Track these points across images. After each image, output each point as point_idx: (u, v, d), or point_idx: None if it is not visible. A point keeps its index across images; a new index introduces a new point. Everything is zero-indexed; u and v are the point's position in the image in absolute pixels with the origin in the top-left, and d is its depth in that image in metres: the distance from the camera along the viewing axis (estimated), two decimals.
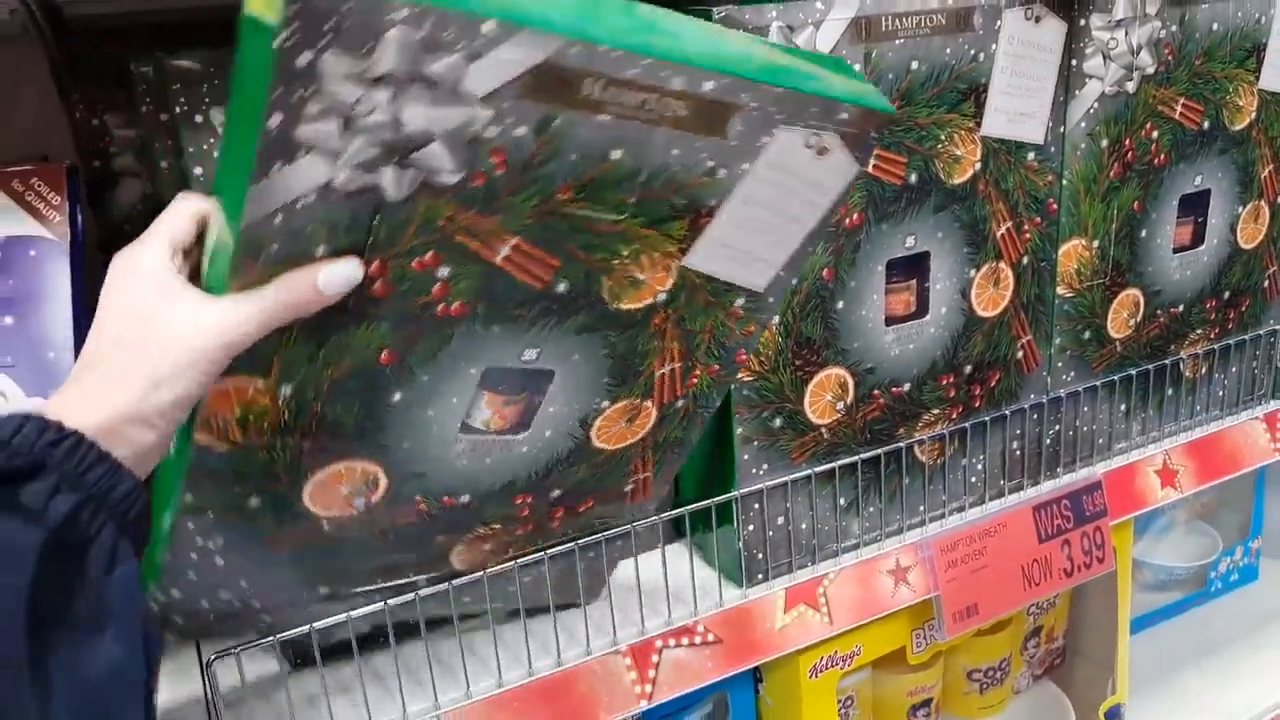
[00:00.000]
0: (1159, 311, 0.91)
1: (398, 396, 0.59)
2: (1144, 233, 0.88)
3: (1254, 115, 0.89)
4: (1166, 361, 0.93)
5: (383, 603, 0.67)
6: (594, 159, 0.55)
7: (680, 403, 0.69)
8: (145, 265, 0.51)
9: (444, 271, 0.55)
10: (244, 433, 0.57)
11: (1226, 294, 0.95)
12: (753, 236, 0.62)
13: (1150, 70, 0.82)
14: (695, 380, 0.68)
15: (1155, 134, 0.85)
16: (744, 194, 0.60)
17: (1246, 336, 0.97)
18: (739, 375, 0.73)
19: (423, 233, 0.53)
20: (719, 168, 0.58)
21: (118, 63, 0.69)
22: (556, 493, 0.69)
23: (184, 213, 0.54)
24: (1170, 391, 0.95)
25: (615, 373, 0.65)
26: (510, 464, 0.66)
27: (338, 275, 0.51)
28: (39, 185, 0.65)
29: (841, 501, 0.81)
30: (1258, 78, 0.88)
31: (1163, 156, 0.86)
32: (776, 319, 0.75)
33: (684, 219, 0.59)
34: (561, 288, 0.59)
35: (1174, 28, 0.82)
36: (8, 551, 0.43)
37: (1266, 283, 0.97)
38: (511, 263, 0.57)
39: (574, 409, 0.65)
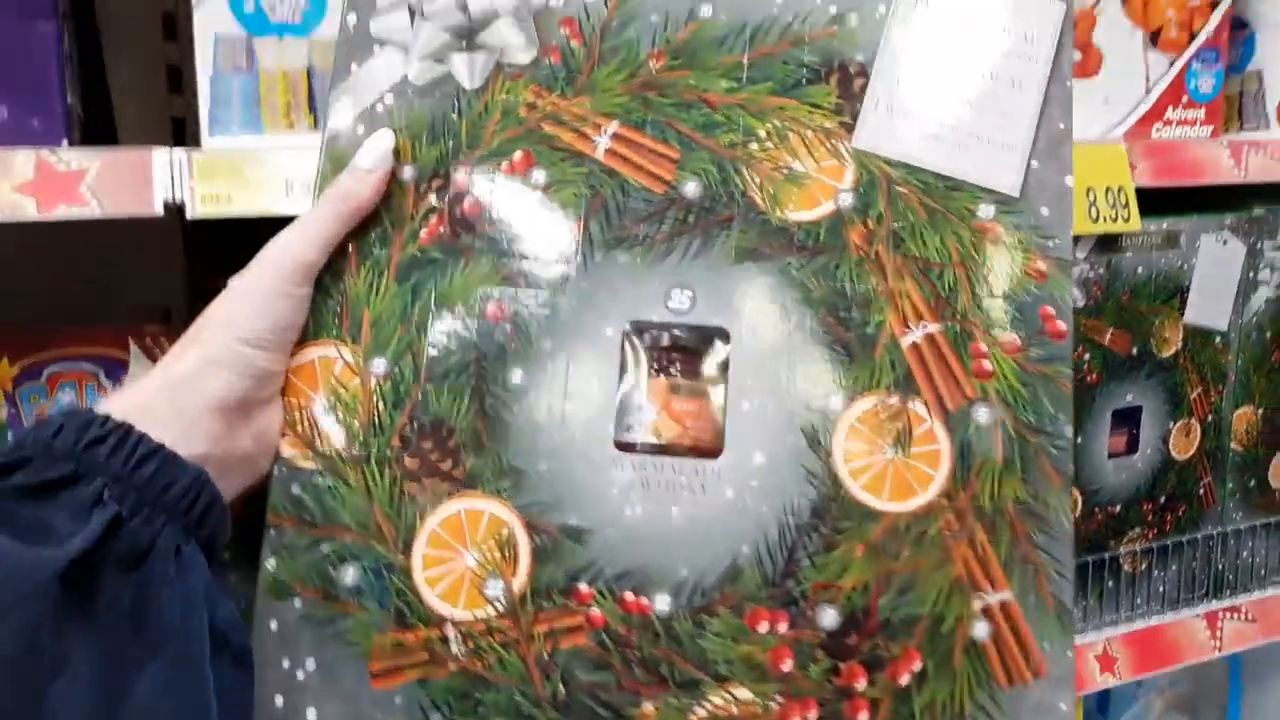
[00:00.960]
0: (1096, 509, 1.02)
1: (517, 375, 0.49)
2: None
3: (1180, 345, 1.02)
4: (1105, 556, 1.03)
5: None
6: (679, 17, 0.50)
7: (982, 412, 0.47)
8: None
9: (540, 177, 0.50)
10: (331, 433, 0.49)
11: (1162, 499, 1.05)
12: (947, 105, 0.49)
13: (1080, 303, 0.97)
14: (986, 363, 0.47)
15: None
16: (897, 44, 0.50)
17: (1184, 539, 1.07)
18: (1067, 363, 0.48)
19: (506, 125, 0.50)
20: (846, 12, 0.50)
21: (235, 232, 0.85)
22: (830, 614, 0.46)
23: None
24: (1110, 584, 1.05)
25: (827, 335, 0.47)
26: (719, 523, 0.46)
27: (372, 145, 0.50)
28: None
29: None
30: (1182, 314, 1.02)
31: None
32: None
33: (826, 81, 0.50)
34: (692, 189, 0.49)
35: (1101, 270, 0.97)
36: (15, 580, 0.37)
37: (1201, 491, 1.07)
38: (618, 158, 0.49)
39: (785, 406, 0.47)
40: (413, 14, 0.50)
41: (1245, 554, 1.10)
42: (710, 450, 0.48)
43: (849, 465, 0.46)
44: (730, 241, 0.48)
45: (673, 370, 0.49)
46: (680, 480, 0.47)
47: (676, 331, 0.49)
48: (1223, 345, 1.04)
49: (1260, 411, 1.06)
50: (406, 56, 0.51)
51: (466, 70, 0.50)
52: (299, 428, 0.49)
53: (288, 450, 0.50)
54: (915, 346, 0.47)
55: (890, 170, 0.49)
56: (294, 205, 0.63)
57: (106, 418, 0.42)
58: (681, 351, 0.49)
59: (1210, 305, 1.02)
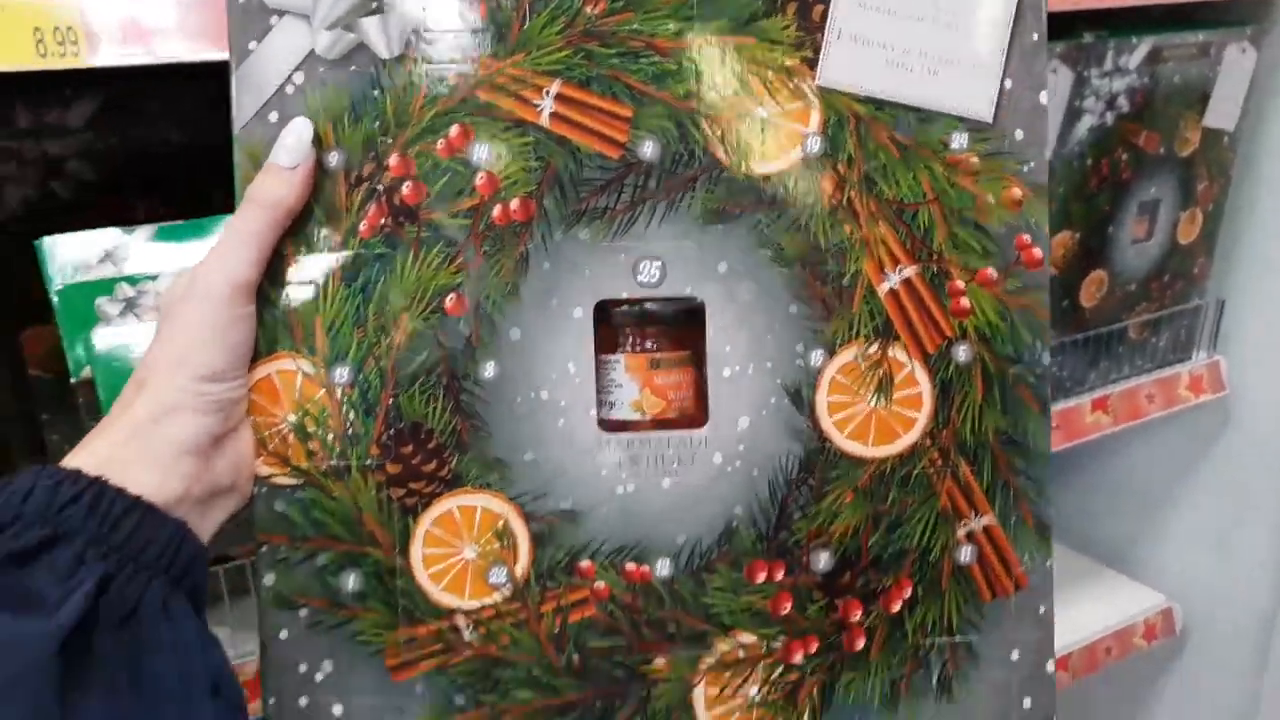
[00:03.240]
0: None
1: (489, 368, 0.46)
2: None
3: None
4: None
5: None
6: None
7: (961, 351, 0.47)
8: None
9: (482, 153, 0.45)
10: (307, 450, 0.46)
11: None
12: (914, 28, 0.45)
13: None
14: (963, 300, 0.46)
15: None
16: None
17: None
18: (1043, 290, 0.48)
19: (436, 97, 0.45)
20: None
21: None
22: (824, 558, 0.47)
23: None
24: None
25: (804, 292, 0.46)
26: (710, 489, 0.46)
27: (289, 138, 0.45)
28: None
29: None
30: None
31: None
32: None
33: (784, 12, 0.45)
34: (649, 150, 0.45)
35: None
36: (15, 655, 0.36)
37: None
38: (565, 122, 0.45)
39: (767, 369, 0.46)
40: None
41: (1055, 368, 1.18)
42: (696, 421, 0.47)
43: (833, 418, 0.46)
44: (696, 204, 0.45)
45: (649, 345, 0.47)
46: (668, 453, 0.46)
47: (649, 306, 0.47)
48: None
49: (1076, 236, 1.10)
50: (310, 26, 0.44)
51: (381, 37, 0.44)
52: (271, 446, 0.47)
53: (264, 469, 0.47)
54: (893, 292, 0.46)
55: (858, 107, 0.46)
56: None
57: (78, 473, 0.40)
58: (656, 325, 0.47)
59: None
